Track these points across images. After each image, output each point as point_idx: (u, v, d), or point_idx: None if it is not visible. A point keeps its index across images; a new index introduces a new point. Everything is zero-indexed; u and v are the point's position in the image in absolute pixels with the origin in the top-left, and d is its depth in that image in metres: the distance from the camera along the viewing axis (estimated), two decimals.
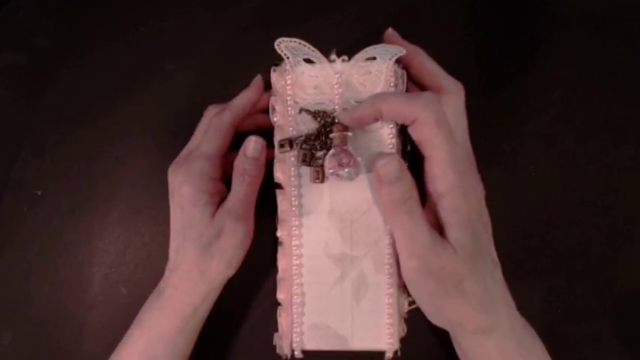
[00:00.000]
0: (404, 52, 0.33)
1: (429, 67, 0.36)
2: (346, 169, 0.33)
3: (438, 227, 0.33)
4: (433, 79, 0.36)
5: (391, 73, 0.34)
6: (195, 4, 0.45)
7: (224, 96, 0.40)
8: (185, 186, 0.36)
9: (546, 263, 0.42)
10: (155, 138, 0.44)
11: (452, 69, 0.37)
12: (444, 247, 0.31)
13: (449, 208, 0.32)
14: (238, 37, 0.45)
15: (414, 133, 0.32)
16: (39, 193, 0.45)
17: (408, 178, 0.32)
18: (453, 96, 0.36)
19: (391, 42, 0.36)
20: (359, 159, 0.34)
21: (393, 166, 0.32)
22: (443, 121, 0.31)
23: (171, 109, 0.44)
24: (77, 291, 0.44)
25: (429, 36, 0.40)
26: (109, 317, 0.43)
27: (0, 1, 0.46)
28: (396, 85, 0.35)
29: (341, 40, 0.41)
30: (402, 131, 0.36)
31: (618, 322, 0.41)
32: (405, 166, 0.33)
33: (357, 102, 0.35)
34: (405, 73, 0.36)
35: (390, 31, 0.37)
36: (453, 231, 0.32)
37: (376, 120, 0.33)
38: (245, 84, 0.40)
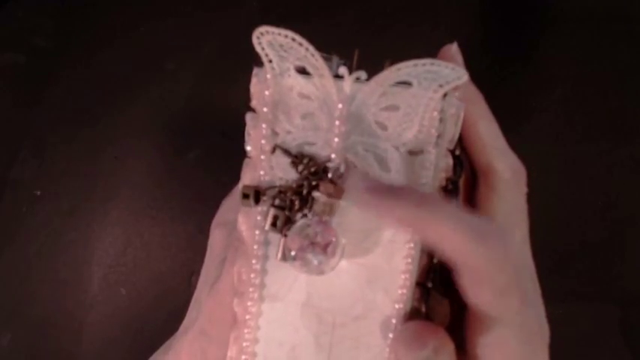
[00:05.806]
0: (465, 78, 0.20)
1: (482, 132, 0.24)
2: (318, 256, 0.20)
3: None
4: (483, 154, 0.23)
5: (436, 114, 0.21)
6: (195, 4, 0.45)
7: (224, 96, 0.40)
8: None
9: (546, 263, 0.42)
10: (155, 138, 0.44)
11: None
12: None
13: None
14: (238, 37, 0.45)
15: (466, 285, 0.19)
16: (38, 193, 0.45)
17: None
18: (509, 187, 0.24)
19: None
20: (343, 242, 0.21)
21: None
22: (521, 282, 0.19)
23: (171, 109, 0.44)
24: (76, 291, 0.44)
25: (429, 36, 0.40)
26: (109, 317, 0.43)
27: (0, 1, 0.46)
28: (439, 136, 0.21)
29: (346, 43, 0.41)
30: None
31: (619, 322, 0.41)
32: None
33: (366, 150, 0.21)
34: (462, 116, 0.22)
35: (454, 47, 0.25)
36: None
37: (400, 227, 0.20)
38: (245, 84, 0.40)
